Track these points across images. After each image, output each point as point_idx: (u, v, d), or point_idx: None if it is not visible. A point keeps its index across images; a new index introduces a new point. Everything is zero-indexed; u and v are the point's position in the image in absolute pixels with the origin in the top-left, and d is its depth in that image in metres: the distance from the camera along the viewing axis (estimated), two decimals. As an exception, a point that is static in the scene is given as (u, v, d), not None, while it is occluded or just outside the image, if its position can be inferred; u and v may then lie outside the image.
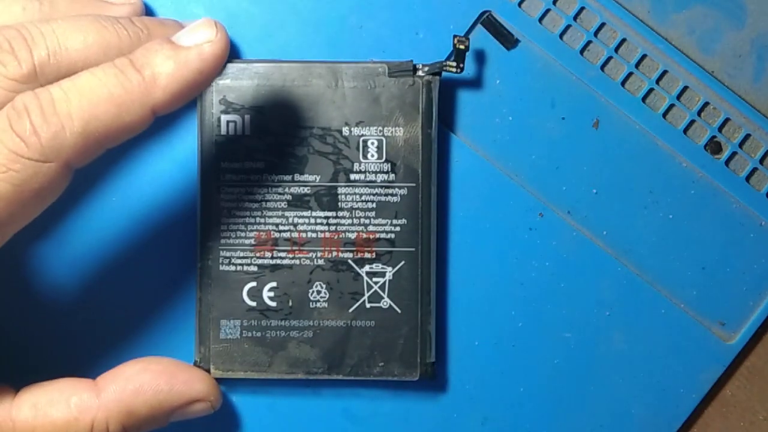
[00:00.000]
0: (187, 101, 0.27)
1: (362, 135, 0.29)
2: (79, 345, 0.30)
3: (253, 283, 0.29)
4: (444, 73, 0.29)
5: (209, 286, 0.29)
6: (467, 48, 0.29)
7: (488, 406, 0.30)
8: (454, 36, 0.29)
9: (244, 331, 0.29)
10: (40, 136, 0.23)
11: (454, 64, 0.29)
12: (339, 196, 0.29)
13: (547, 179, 0.30)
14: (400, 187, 0.29)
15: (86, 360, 0.30)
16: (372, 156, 0.29)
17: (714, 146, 0.31)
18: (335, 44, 0.30)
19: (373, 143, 0.29)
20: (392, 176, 0.29)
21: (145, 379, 0.27)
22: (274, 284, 0.29)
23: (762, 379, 0.31)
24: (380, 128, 0.29)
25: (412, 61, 0.29)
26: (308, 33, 0.30)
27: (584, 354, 0.30)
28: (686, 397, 0.30)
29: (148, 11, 0.29)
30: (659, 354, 0.30)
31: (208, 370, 0.29)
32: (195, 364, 0.29)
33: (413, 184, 0.29)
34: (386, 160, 0.29)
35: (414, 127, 0.29)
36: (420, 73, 0.29)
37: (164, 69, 0.24)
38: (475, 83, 0.30)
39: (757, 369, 0.31)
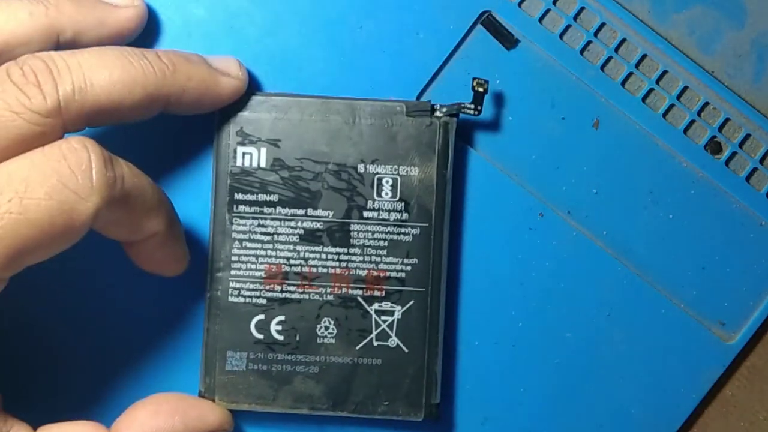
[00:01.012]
0: (191, 113, 0.27)
1: (377, 173, 0.29)
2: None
3: (262, 316, 0.29)
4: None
5: (217, 317, 0.28)
6: (486, 91, 0.29)
7: (488, 407, 0.30)
8: (474, 78, 0.29)
9: (250, 364, 0.28)
10: (96, 175, 0.23)
11: (472, 106, 0.29)
12: (351, 233, 0.29)
13: (547, 179, 0.30)
14: (412, 227, 0.29)
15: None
16: (386, 194, 0.29)
17: (714, 146, 0.31)
18: (335, 44, 0.30)
19: (387, 182, 0.29)
20: (405, 215, 0.29)
21: (159, 423, 0.26)
22: (282, 318, 0.29)
23: (762, 379, 0.31)
24: (395, 167, 0.29)
25: (430, 101, 0.29)
26: (308, 33, 0.30)
27: (584, 354, 0.30)
28: (686, 397, 0.30)
29: (149, 12, 0.29)
30: (659, 354, 0.30)
31: (212, 401, 0.28)
32: (200, 394, 0.29)
33: (426, 225, 0.29)
34: (400, 199, 0.29)
35: (429, 168, 0.29)
36: (438, 114, 0.29)
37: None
38: (475, 83, 0.30)
39: (757, 369, 0.31)
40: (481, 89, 0.29)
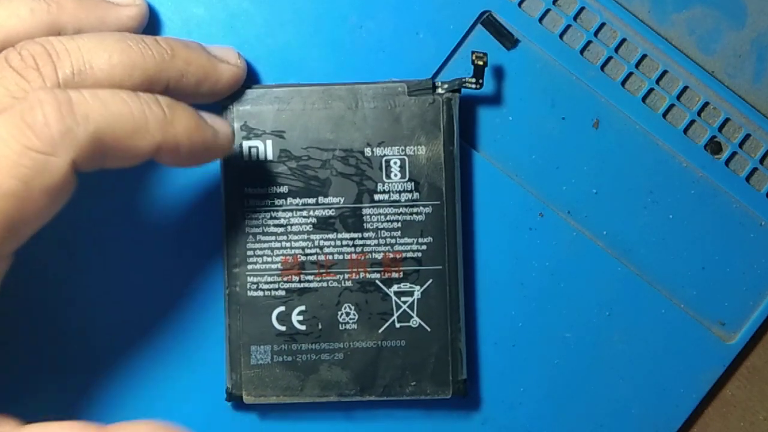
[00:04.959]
0: (191, 101, 0.27)
1: (384, 155, 0.29)
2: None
3: (282, 308, 0.29)
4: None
5: (238, 313, 0.29)
6: (486, 64, 0.29)
7: (488, 406, 0.30)
8: (473, 52, 0.29)
9: (274, 356, 0.29)
10: (52, 128, 0.22)
11: (473, 80, 0.29)
12: (364, 217, 0.29)
13: (547, 179, 0.30)
14: (424, 206, 0.29)
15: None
16: (395, 176, 0.29)
17: (714, 146, 0.31)
18: (336, 44, 0.30)
19: (395, 163, 0.29)
20: (416, 195, 0.29)
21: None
22: (302, 308, 0.29)
23: (762, 379, 0.31)
24: (402, 148, 0.29)
25: (431, 79, 0.29)
26: (308, 33, 0.30)
27: (584, 354, 0.30)
28: (686, 397, 0.30)
29: (150, 12, 0.29)
30: (659, 354, 0.30)
31: (240, 397, 0.28)
32: (227, 391, 0.29)
33: (437, 202, 0.29)
34: (409, 179, 0.29)
35: (436, 145, 0.29)
36: (440, 90, 0.29)
37: (185, 122, 0.25)
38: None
39: (757, 369, 0.31)
40: (480, 62, 0.29)
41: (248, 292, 0.29)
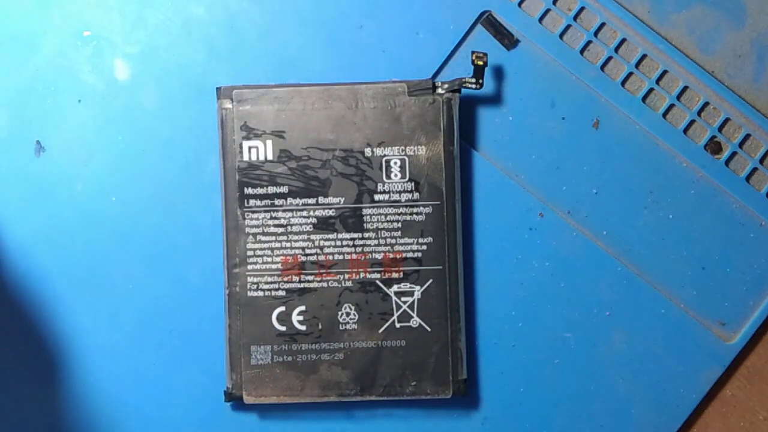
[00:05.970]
0: None
1: (384, 155, 0.29)
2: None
3: (282, 308, 0.29)
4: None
5: (238, 313, 0.29)
6: (486, 64, 0.29)
7: (488, 406, 0.30)
8: (473, 52, 0.29)
9: (275, 356, 0.29)
10: None
11: (473, 80, 0.29)
12: (364, 217, 0.29)
13: (547, 179, 0.30)
14: (424, 206, 0.29)
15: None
16: (395, 176, 0.29)
17: (714, 146, 0.31)
18: (335, 44, 0.30)
19: (395, 163, 0.29)
20: (416, 195, 0.29)
21: None
22: (302, 308, 0.29)
23: (762, 379, 0.31)
24: (402, 148, 0.29)
25: (431, 79, 0.29)
26: (308, 33, 0.30)
27: (584, 354, 0.30)
28: (686, 397, 0.30)
29: (149, 12, 0.29)
30: (659, 354, 0.30)
31: (240, 397, 0.28)
32: (226, 391, 0.29)
33: (437, 202, 0.29)
34: (410, 179, 0.29)
35: (436, 145, 0.29)
36: (440, 90, 0.29)
37: None
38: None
39: (757, 369, 0.31)
40: (480, 62, 0.29)
41: (248, 292, 0.29)
